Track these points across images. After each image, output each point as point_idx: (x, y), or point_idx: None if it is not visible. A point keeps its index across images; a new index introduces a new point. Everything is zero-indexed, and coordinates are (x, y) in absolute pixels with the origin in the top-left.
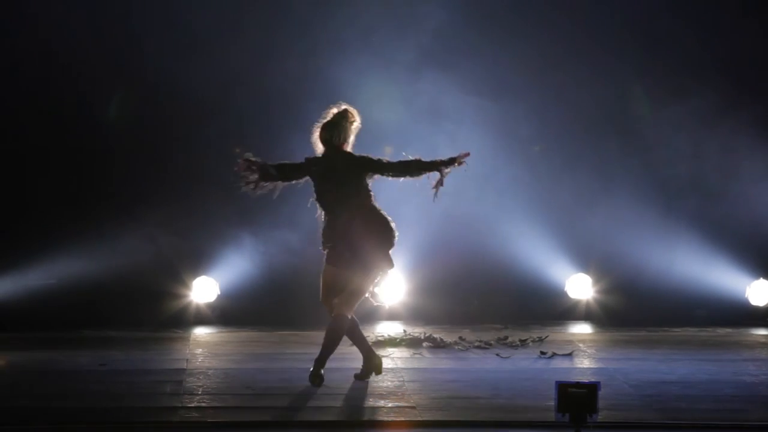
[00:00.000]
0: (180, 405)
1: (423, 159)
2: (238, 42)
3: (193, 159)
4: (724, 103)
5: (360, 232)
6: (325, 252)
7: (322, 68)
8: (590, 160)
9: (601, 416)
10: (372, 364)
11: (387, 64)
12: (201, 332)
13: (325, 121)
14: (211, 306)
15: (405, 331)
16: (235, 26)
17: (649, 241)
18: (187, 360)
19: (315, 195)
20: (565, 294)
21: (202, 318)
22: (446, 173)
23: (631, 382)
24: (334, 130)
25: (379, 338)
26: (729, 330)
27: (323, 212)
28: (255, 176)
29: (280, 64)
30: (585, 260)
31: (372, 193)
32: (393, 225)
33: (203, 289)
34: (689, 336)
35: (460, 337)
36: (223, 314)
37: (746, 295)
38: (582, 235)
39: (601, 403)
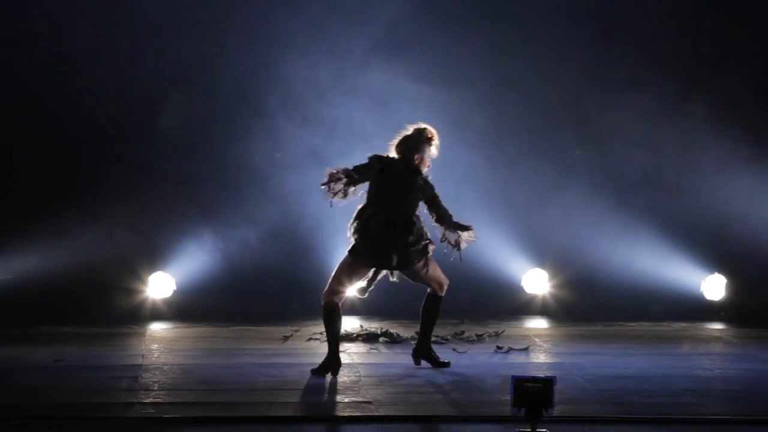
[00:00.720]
0: (136, 401)
1: (452, 217)
2: (192, 37)
3: (150, 154)
4: (679, 95)
5: (380, 230)
6: (352, 243)
7: (276, 61)
8: (546, 152)
9: (557, 411)
10: (332, 364)
11: (339, 56)
12: (157, 328)
13: (403, 135)
14: (167, 302)
15: (361, 326)
16: (188, 20)
17: (605, 236)
18: (142, 356)
19: (368, 188)
20: (521, 289)
21: (158, 314)
22: (455, 239)
23: (586, 377)
24: (409, 144)
25: None
26: (684, 324)
27: (364, 205)
28: (341, 185)
29: (234, 58)
30: (541, 255)
31: (417, 208)
32: (416, 230)
33: (159, 285)
34: (645, 330)
35: (417, 332)
36: (179, 310)
37: (701, 290)
38: (538, 230)
39: (556, 398)
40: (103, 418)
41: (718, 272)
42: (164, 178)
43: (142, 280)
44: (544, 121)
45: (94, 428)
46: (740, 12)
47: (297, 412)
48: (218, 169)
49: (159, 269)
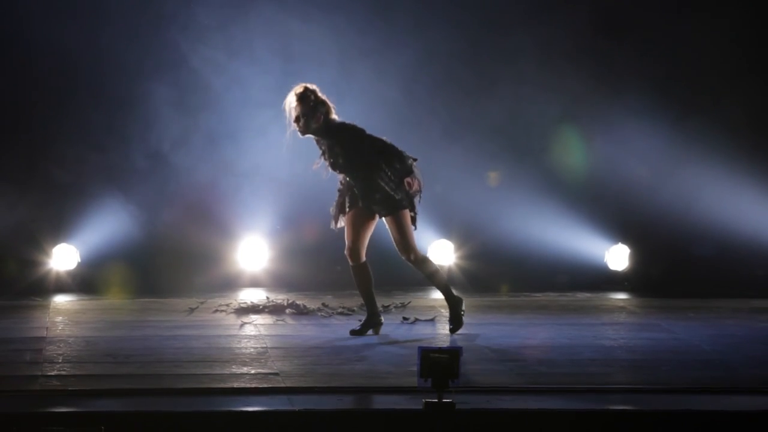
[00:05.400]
0: (40, 373)
1: None
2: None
3: (56, 132)
4: (574, 53)
5: None
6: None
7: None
8: (441, 123)
9: (463, 381)
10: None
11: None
12: (61, 300)
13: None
14: (72, 274)
15: (268, 297)
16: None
17: (510, 206)
18: (47, 328)
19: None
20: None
21: (62, 286)
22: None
23: (492, 347)
24: None
25: (242, 305)
26: (588, 295)
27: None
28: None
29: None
30: (447, 226)
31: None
32: None
33: (63, 257)
34: (550, 301)
35: (323, 304)
36: (83, 282)
37: (605, 260)
38: (443, 201)
39: (463, 368)
40: (6, 391)
41: (622, 242)
42: (71, 153)
43: (46, 252)
44: (437, 85)
45: None
46: None
47: (203, 384)
48: (125, 146)
49: (63, 241)
